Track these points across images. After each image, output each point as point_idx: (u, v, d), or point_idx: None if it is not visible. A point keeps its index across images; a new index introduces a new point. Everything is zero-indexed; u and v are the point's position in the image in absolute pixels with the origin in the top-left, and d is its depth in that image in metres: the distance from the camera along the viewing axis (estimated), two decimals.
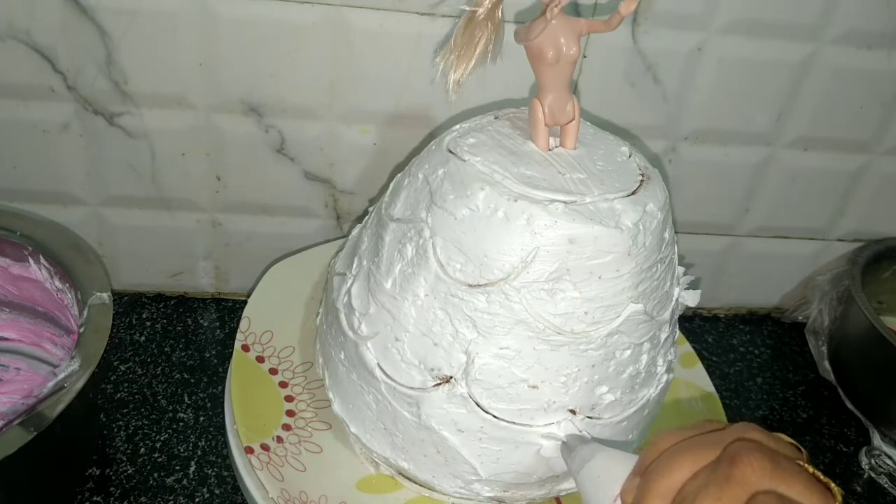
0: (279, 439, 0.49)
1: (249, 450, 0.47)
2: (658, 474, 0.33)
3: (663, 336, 0.46)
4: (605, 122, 0.62)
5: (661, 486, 0.32)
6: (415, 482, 0.47)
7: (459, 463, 0.44)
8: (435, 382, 0.43)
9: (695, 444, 0.33)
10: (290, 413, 0.50)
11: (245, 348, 0.53)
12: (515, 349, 0.41)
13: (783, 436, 0.33)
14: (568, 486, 0.46)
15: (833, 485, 0.31)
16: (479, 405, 0.42)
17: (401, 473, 0.47)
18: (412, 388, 0.43)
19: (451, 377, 0.42)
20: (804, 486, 0.30)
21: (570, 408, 0.43)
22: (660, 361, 0.46)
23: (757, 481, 0.30)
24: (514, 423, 0.42)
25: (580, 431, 0.43)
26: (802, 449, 0.33)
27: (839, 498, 0.30)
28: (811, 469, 0.31)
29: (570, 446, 0.41)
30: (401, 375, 0.43)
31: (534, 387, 0.42)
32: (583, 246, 0.40)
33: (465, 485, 0.45)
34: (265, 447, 0.48)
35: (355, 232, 0.52)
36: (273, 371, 0.53)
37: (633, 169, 0.45)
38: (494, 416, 0.42)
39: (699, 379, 0.58)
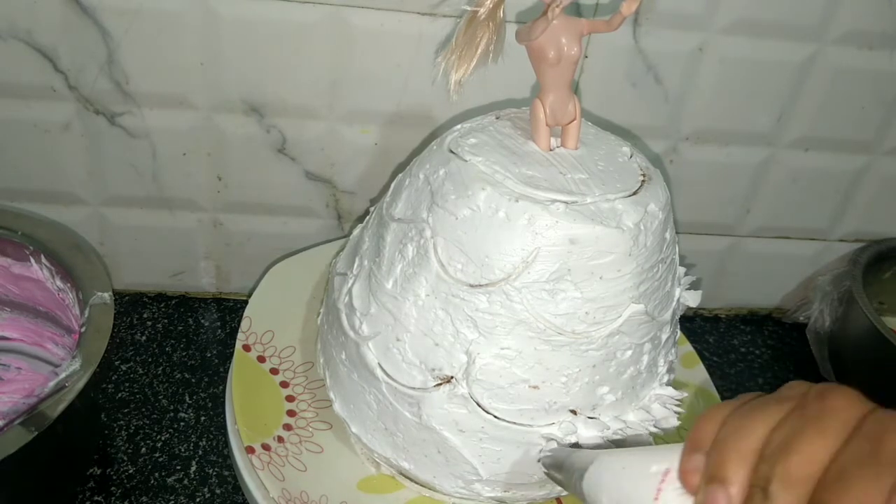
0: (280, 439, 0.48)
1: (250, 450, 0.47)
2: (734, 437, 0.28)
3: (664, 336, 0.46)
4: (607, 122, 0.62)
5: (740, 448, 0.28)
6: (415, 482, 0.47)
7: (460, 463, 0.44)
8: (436, 382, 0.43)
9: (761, 404, 0.29)
10: (290, 413, 0.50)
11: (246, 348, 0.53)
12: (516, 349, 0.41)
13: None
14: None
15: None
16: (479, 405, 0.42)
17: (401, 473, 0.47)
18: (413, 389, 0.43)
19: (452, 377, 0.42)
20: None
21: (571, 408, 0.43)
22: (661, 362, 0.46)
23: (854, 410, 0.26)
24: (515, 423, 0.42)
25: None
26: None
27: None
28: None
29: (556, 464, 0.38)
30: (402, 375, 0.43)
31: (535, 387, 0.42)
32: (584, 246, 0.40)
33: (466, 485, 0.45)
34: (266, 447, 0.48)
35: (356, 232, 0.52)
36: (274, 371, 0.53)
37: (634, 169, 0.45)
38: (495, 417, 0.42)
39: (700, 379, 0.58)
